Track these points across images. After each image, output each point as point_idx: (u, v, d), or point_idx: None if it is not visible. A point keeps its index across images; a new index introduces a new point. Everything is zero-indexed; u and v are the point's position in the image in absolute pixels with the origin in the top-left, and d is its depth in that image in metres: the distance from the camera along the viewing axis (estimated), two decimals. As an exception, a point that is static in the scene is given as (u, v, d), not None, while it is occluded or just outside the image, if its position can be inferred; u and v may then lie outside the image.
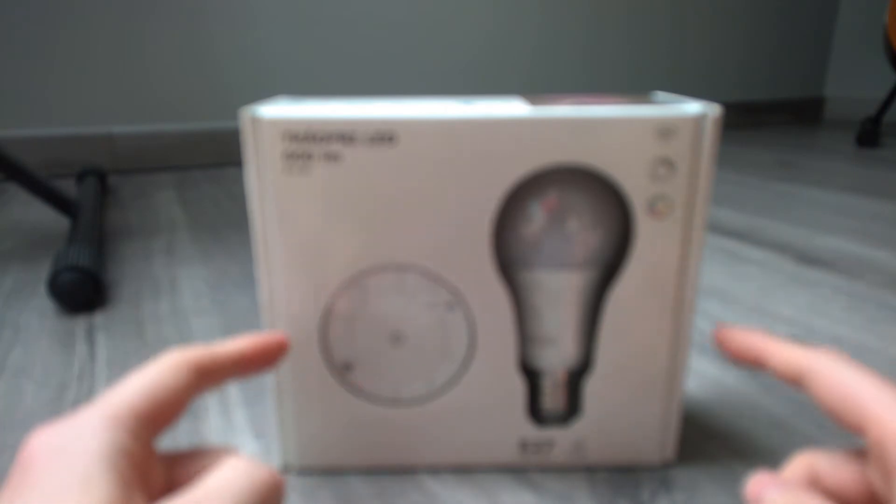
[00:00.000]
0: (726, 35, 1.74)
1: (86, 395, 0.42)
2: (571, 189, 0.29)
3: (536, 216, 0.29)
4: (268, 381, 0.33)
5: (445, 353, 0.31)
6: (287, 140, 0.28)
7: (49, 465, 0.17)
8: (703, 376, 0.44)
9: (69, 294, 0.54)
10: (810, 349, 0.23)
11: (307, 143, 0.28)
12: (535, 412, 0.33)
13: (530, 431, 0.33)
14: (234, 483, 0.18)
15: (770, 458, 0.35)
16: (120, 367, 0.46)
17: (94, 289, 0.55)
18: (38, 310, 0.56)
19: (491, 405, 0.32)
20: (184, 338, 0.50)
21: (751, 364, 0.26)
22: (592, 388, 0.32)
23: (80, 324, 0.53)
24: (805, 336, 0.50)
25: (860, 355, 0.47)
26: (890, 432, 0.19)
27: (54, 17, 1.11)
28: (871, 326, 0.52)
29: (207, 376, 0.23)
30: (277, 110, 0.28)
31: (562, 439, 0.33)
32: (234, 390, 0.42)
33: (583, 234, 0.29)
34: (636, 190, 0.29)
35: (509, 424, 0.33)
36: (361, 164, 0.28)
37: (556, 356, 0.32)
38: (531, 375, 0.32)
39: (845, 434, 0.37)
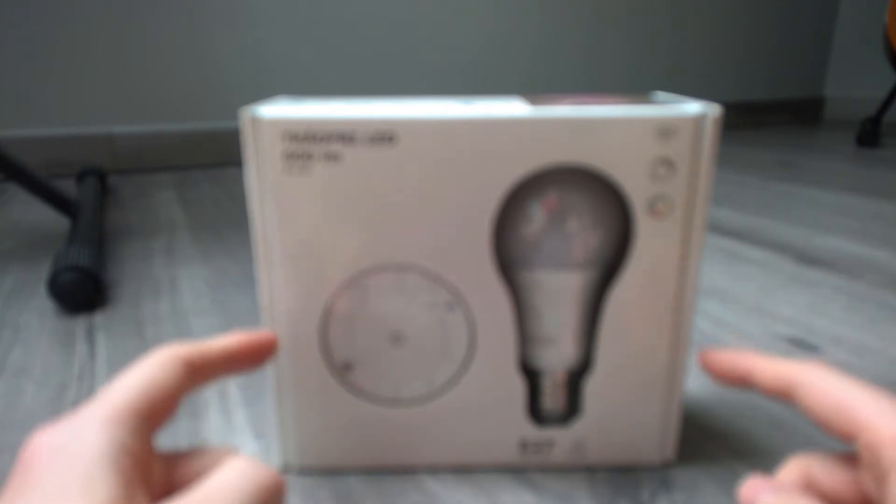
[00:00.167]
0: (726, 35, 1.74)
1: (86, 395, 0.42)
2: (571, 189, 0.29)
3: (536, 216, 0.29)
4: (268, 381, 0.33)
5: (445, 353, 0.31)
6: (287, 140, 0.28)
7: (51, 464, 0.17)
8: (703, 376, 0.44)
9: (69, 294, 0.54)
10: (796, 362, 0.23)
11: (307, 143, 0.28)
12: (535, 412, 0.33)
13: (530, 431, 0.33)
14: (235, 484, 0.18)
15: (770, 458, 0.35)
16: (120, 367, 0.46)
17: (94, 289, 0.55)
18: (38, 310, 0.56)
19: (491, 405, 0.32)
20: (184, 338, 0.50)
21: (738, 383, 0.26)
22: (592, 388, 0.32)
23: (80, 324, 0.53)
24: (805, 336, 0.50)
25: (860, 355, 0.47)
26: (881, 437, 0.19)
27: (54, 17, 1.11)
28: (871, 326, 0.52)
29: (198, 372, 0.23)
30: (277, 110, 0.28)
31: (562, 439, 0.33)
32: (234, 390, 0.42)
33: (583, 234, 0.29)
34: (636, 190, 0.29)
35: (509, 424, 0.33)
36: (361, 164, 0.28)
37: (556, 356, 0.32)
38: (531, 375, 0.32)
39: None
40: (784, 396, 0.23)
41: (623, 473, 0.34)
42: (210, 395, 0.42)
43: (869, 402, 0.20)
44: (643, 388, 0.32)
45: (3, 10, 1.07)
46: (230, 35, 1.22)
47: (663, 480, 0.33)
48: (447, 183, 0.29)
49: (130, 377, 0.21)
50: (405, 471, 0.34)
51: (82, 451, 0.18)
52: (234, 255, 0.71)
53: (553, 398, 0.32)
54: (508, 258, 0.30)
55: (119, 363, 0.46)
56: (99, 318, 0.54)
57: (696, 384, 0.43)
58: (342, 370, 0.32)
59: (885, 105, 1.46)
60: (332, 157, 0.28)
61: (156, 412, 0.21)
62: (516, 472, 0.34)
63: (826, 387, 0.21)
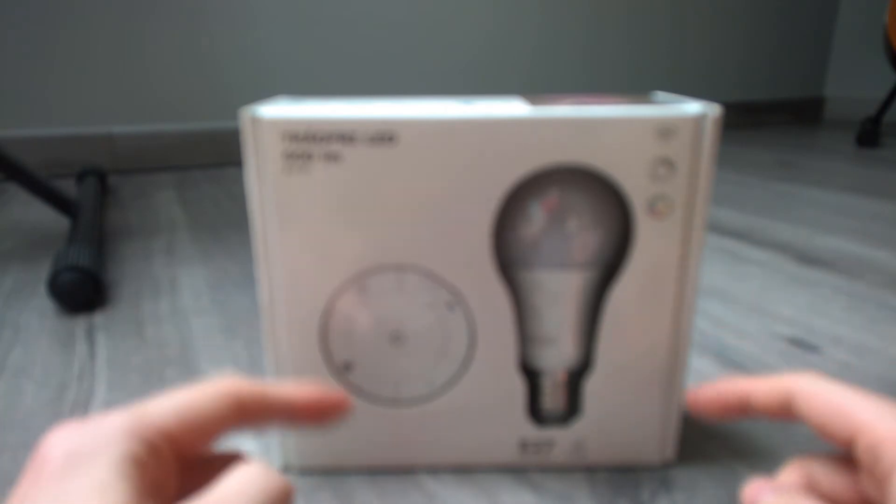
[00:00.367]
0: (726, 35, 1.74)
1: (86, 394, 0.42)
2: (571, 189, 0.29)
3: (536, 216, 0.29)
4: (268, 380, 0.33)
5: (445, 353, 0.31)
6: (287, 140, 0.28)
7: (64, 468, 0.17)
8: (704, 376, 0.44)
9: (69, 294, 0.54)
10: (789, 374, 0.23)
11: (307, 143, 0.28)
12: (535, 412, 0.33)
13: (530, 431, 0.33)
14: (246, 489, 0.18)
15: (770, 458, 0.35)
16: (120, 367, 0.46)
17: (94, 289, 0.55)
18: (38, 310, 0.56)
19: (491, 405, 0.32)
20: (184, 338, 0.50)
21: (736, 412, 0.24)
22: (592, 388, 0.32)
23: (80, 324, 0.53)
24: (805, 336, 0.50)
25: (860, 355, 0.47)
26: (880, 437, 0.19)
27: (54, 17, 1.11)
28: (871, 326, 0.52)
29: (248, 413, 0.22)
30: (277, 110, 0.28)
31: (562, 439, 0.33)
32: (234, 390, 0.42)
33: (583, 234, 0.29)
34: (636, 190, 0.29)
35: (509, 424, 0.33)
36: (361, 164, 0.28)
37: (556, 356, 0.32)
38: (531, 375, 0.32)
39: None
40: (784, 412, 0.23)
41: (623, 473, 0.34)
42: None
43: (866, 406, 0.20)
44: (643, 388, 0.32)
45: (3, 10, 1.07)
46: (230, 35, 1.22)
47: (663, 480, 0.33)
48: (447, 183, 0.29)
49: (171, 397, 0.21)
50: (405, 471, 0.34)
51: (96, 458, 0.18)
52: (234, 255, 0.71)
53: (553, 398, 0.32)
54: (508, 258, 0.30)
55: (119, 363, 0.46)
56: (99, 318, 0.54)
57: (696, 384, 0.43)
58: (342, 370, 0.32)
59: (885, 105, 1.46)
60: (332, 157, 0.28)
61: (186, 437, 0.20)
62: (516, 472, 0.34)
63: (823, 392, 0.21)
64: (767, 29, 1.80)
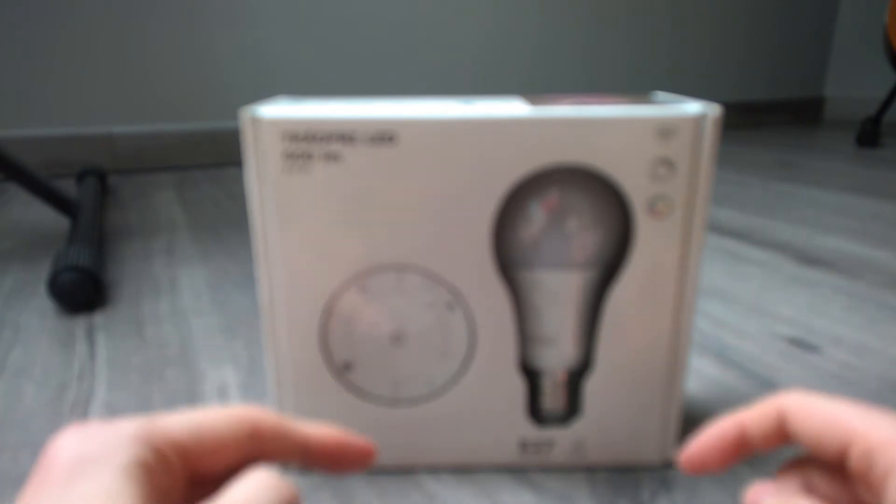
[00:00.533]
0: (726, 35, 1.74)
1: (86, 394, 0.42)
2: (571, 189, 0.29)
3: (536, 216, 0.29)
4: (268, 380, 0.33)
5: (445, 353, 0.31)
6: (287, 140, 0.28)
7: (71, 472, 0.17)
8: (703, 376, 0.44)
9: (69, 294, 0.54)
10: (776, 396, 0.23)
11: (307, 143, 0.28)
12: (535, 412, 0.33)
13: (530, 431, 0.33)
14: (255, 496, 0.18)
15: (770, 458, 0.35)
16: (120, 367, 0.46)
17: (94, 289, 0.55)
18: (38, 310, 0.56)
19: (491, 405, 0.32)
20: (184, 338, 0.50)
21: (736, 452, 0.23)
22: (592, 388, 0.32)
23: (80, 324, 0.53)
24: (805, 336, 0.50)
25: (860, 355, 0.47)
26: (874, 443, 0.19)
27: (54, 17, 1.11)
28: (871, 326, 0.52)
29: (264, 445, 0.21)
30: (277, 110, 0.28)
31: (562, 439, 0.33)
32: (234, 390, 0.42)
33: (583, 234, 0.29)
34: (636, 190, 0.29)
35: (509, 424, 0.33)
36: (361, 164, 0.28)
37: (556, 356, 0.32)
38: (531, 375, 0.32)
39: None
40: (779, 435, 0.22)
41: (623, 473, 0.34)
42: (210, 394, 0.42)
43: (858, 415, 0.20)
44: (643, 388, 0.32)
45: (3, 10, 1.07)
46: (230, 35, 1.22)
47: (663, 480, 0.33)
48: (447, 183, 0.29)
49: (188, 413, 0.21)
50: (405, 471, 0.34)
51: (105, 462, 0.18)
52: (234, 255, 0.71)
53: (553, 398, 0.32)
54: (508, 258, 0.30)
55: (119, 363, 0.46)
56: (99, 318, 0.54)
57: (696, 384, 0.43)
58: (342, 370, 0.32)
59: (885, 105, 1.46)
60: (332, 157, 0.28)
61: (197, 451, 0.20)
62: (516, 472, 0.34)
63: (814, 406, 0.21)
64: (767, 29, 1.80)
